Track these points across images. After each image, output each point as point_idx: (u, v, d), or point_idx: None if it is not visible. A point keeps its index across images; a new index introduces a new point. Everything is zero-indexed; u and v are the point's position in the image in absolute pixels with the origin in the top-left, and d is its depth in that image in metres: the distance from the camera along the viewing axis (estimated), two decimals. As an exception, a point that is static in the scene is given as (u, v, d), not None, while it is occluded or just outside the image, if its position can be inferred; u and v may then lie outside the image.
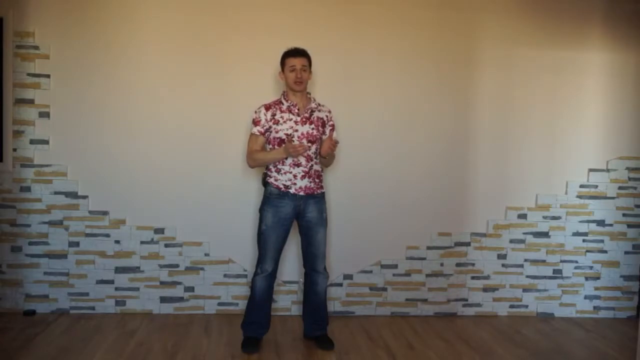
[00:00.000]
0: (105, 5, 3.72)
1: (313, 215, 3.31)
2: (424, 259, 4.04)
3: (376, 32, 3.89)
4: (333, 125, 3.42)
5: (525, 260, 4.12)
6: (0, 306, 3.78)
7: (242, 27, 3.80)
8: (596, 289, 4.17)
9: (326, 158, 3.35)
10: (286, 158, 3.24)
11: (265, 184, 3.35)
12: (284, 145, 3.21)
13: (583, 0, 4.02)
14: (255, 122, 3.30)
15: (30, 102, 3.73)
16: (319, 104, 3.42)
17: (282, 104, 3.33)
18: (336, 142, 3.25)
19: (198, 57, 3.79)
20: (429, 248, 4.04)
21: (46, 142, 3.76)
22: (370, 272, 4.01)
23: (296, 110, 3.30)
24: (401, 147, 3.97)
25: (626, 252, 4.18)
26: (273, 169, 3.30)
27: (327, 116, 3.40)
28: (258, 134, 3.29)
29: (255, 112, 3.33)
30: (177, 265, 3.89)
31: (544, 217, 4.11)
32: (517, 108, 4.04)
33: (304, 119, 3.30)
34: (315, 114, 3.35)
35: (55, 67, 3.72)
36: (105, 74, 3.75)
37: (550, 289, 4.14)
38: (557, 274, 4.14)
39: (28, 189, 3.76)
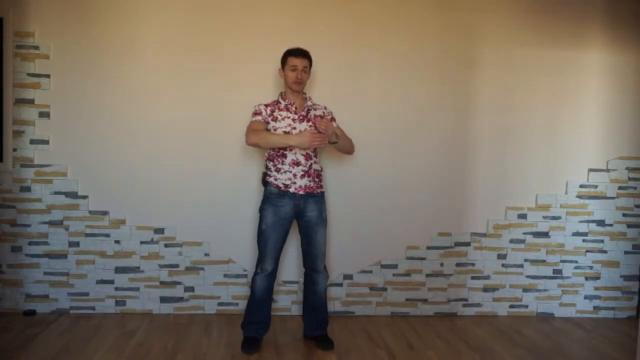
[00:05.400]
0: (105, 6, 3.72)
1: (313, 214, 3.31)
2: (424, 259, 4.04)
3: (376, 32, 3.89)
4: (332, 118, 3.47)
5: (525, 260, 4.12)
6: (0, 306, 3.78)
7: (242, 28, 3.80)
8: (596, 289, 4.17)
9: (337, 142, 3.34)
10: (290, 150, 3.24)
11: (265, 183, 3.35)
12: (300, 131, 3.21)
13: (583, 1, 4.03)
14: (257, 113, 3.33)
15: (30, 102, 3.73)
16: (314, 103, 3.45)
17: (280, 102, 3.36)
18: (327, 120, 3.24)
19: (198, 58, 3.79)
20: (429, 248, 4.04)
21: (46, 142, 3.76)
22: (370, 272, 4.01)
23: (293, 109, 3.33)
24: (401, 147, 3.97)
25: (626, 252, 4.18)
26: (273, 169, 3.30)
27: (323, 112, 3.43)
28: (261, 119, 3.30)
29: (255, 106, 3.37)
30: (177, 265, 3.89)
31: (544, 217, 4.11)
32: (517, 108, 4.04)
33: (301, 117, 3.33)
34: (312, 112, 3.38)
35: (55, 67, 3.72)
36: (105, 74, 3.75)
37: (550, 289, 4.14)
38: (557, 274, 4.14)
39: (28, 189, 3.76)
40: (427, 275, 4.05)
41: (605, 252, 4.17)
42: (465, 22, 3.96)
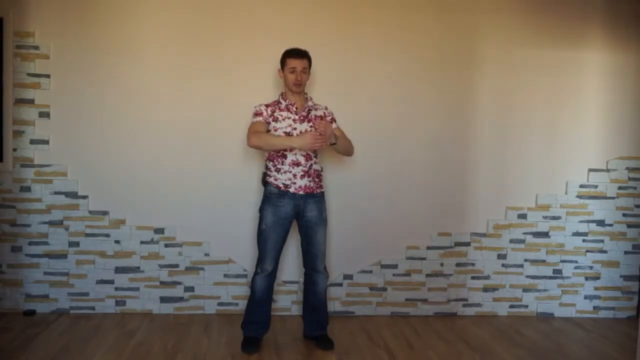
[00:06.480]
0: (105, 6, 3.72)
1: (313, 214, 3.31)
2: (424, 259, 4.04)
3: (376, 33, 3.89)
4: (333, 119, 3.45)
5: (525, 260, 4.12)
6: (0, 306, 3.78)
7: (242, 28, 3.80)
8: (596, 289, 4.17)
9: (335, 143, 3.33)
10: (290, 151, 3.24)
11: (265, 183, 3.35)
12: (301, 132, 3.21)
13: (583, 1, 4.03)
14: (258, 114, 3.32)
15: (30, 102, 3.73)
16: (315, 103, 3.44)
17: (281, 103, 3.35)
18: (326, 121, 3.23)
19: (198, 57, 3.79)
20: (429, 248, 4.04)
21: (46, 142, 3.76)
22: (370, 272, 4.01)
23: (294, 109, 3.32)
24: (401, 147, 3.97)
25: (626, 252, 4.18)
26: (273, 169, 3.30)
27: (324, 113, 3.42)
28: (262, 120, 3.30)
29: (255, 107, 3.36)
30: (177, 265, 3.89)
31: (544, 217, 4.11)
32: (517, 108, 4.04)
33: (302, 117, 3.32)
34: (313, 112, 3.37)
35: (55, 67, 3.72)
36: (105, 74, 3.75)
37: (550, 289, 4.14)
38: (557, 274, 4.14)
39: (28, 189, 3.76)
40: (427, 275, 4.05)
41: (605, 252, 4.17)
42: (466, 22, 3.96)
